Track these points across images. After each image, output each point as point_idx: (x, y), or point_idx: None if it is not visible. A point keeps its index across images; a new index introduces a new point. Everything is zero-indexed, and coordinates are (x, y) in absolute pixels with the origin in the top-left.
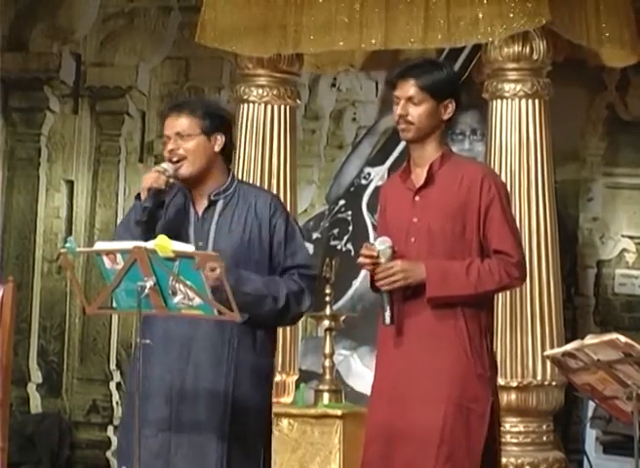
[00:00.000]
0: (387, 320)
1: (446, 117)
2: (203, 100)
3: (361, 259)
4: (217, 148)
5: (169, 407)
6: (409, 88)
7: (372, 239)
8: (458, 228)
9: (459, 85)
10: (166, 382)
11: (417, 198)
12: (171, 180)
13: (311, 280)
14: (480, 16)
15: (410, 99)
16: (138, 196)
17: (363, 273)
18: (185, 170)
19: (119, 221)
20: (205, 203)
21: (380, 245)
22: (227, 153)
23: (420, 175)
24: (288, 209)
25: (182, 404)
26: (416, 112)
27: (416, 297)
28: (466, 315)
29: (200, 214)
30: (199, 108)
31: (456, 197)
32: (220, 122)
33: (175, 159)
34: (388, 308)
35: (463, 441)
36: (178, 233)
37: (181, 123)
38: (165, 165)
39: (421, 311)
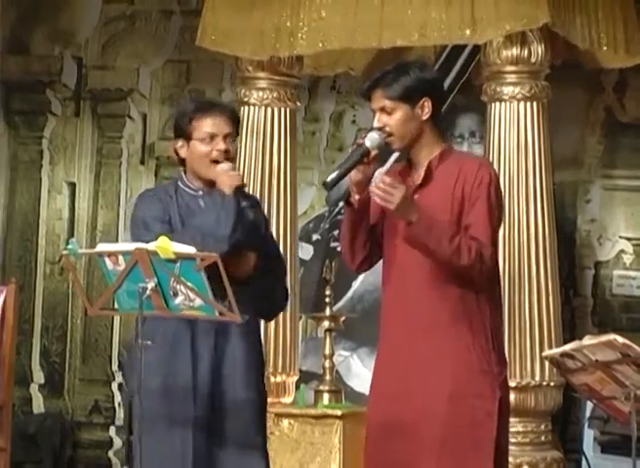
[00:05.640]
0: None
1: (425, 117)
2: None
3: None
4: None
5: (210, 401)
6: (379, 99)
7: None
8: (455, 220)
9: (432, 81)
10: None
11: (416, 197)
12: None
13: (281, 266)
14: (479, 16)
15: (383, 110)
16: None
17: (363, 274)
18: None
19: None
20: None
21: (370, 139)
22: None
23: (419, 174)
24: (288, 210)
25: (222, 399)
26: (392, 121)
27: (419, 292)
28: (469, 310)
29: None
30: (234, 113)
31: (453, 191)
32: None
33: (223, 158)
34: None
35: (469, 438)
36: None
37: (230, 126)
38: (226, 165)
39: (423, 306)
